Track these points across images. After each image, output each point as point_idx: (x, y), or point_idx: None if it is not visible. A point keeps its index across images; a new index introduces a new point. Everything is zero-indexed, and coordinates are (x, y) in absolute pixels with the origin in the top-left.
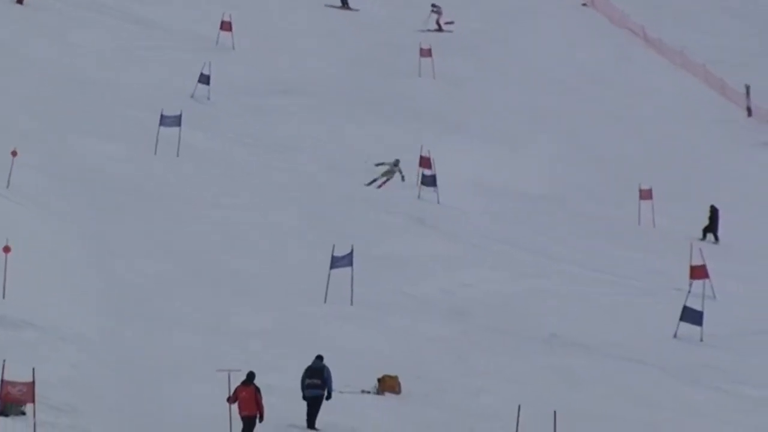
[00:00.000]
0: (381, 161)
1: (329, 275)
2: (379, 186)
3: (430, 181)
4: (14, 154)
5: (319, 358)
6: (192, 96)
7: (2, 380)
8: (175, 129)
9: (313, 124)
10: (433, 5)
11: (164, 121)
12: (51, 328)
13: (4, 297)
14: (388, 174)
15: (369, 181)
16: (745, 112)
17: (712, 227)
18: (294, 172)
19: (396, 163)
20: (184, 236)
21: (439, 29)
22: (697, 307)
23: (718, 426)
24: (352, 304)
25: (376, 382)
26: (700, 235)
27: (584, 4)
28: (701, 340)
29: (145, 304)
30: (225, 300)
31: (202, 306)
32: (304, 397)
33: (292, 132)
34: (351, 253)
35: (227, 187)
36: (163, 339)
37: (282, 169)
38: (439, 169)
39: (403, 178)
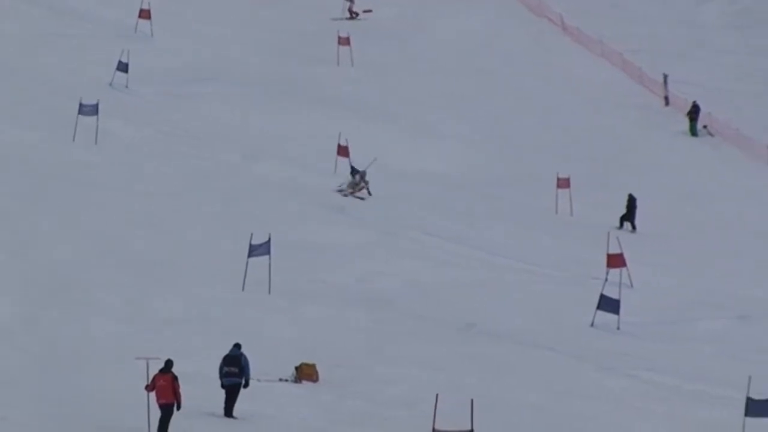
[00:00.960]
0: (355, 170)
1: (247, 263)
2: (346, 195)
3: (351, 170)
4: None
5: (237, 346)
6: (110, 84)
7: None
8: (94, 117)
9: (232, 112)
10: None
11: (82, 109)
12: None
13: None
14: (354, 187)
15: (337, 188)
16: (663, 101)
17: (629, 216)
18: (213, 160)
19: (363, 175)
20: (103, 223)
21: (352, 17)
22: (614, 295)
23: (633, 414)
24: (269, 292)
25: (293, 370)
26: (617, 223)
27: None
28: (618, 328)
29: (64, 291)
30: (144, 287)
31: (121, 293)
32: (222, 386)
33: (211, 120)
34: (268, 242)
35: (146, 174)
36: (82, 326)
37: (201, 157)
38: (357, 157)
39: (369, 192)
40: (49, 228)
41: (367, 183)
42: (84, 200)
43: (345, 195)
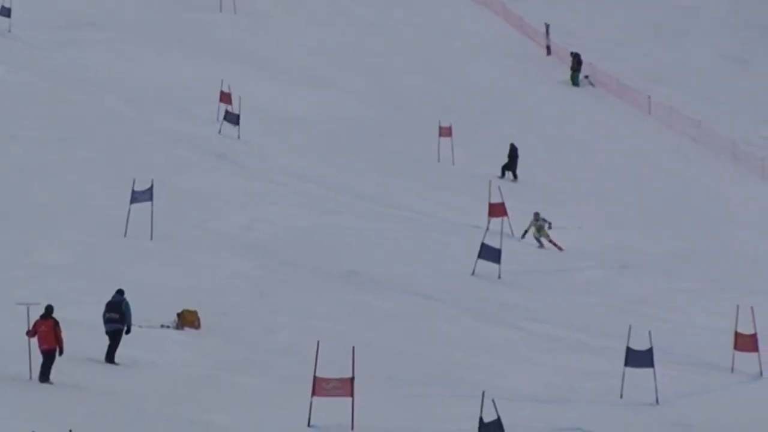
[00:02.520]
0: (524, 230)
1: (129, 209)
2: (547, 246)
3: (232, 118)
4: None
5: (120, 292)
6: None
7: None
8: None
9: (115, 58)
10: None
11: None
12: None
13: None
14: (542, 232)
15: (538, 245)
16: (545, 51)
17: (511, 165)
18: (95, 106)
19: (537, 218)
20: None
21: None
22: (495, 244)
23: (513, 363)
24: (152, 238)
25: (175, 317)
26: (499, 172)
27: None
28: (499, 277)
29: None
30: (25, 233)
31: (1, 239)
32: (106, 332)
33: (94, 66)
34: (151, 188)
35: (28, 120)
36: None
37: (83, 103)
38: (240, 105)
39: (550, 225)
40: None
41: (545, 219)
42: None
43: (543, 245)
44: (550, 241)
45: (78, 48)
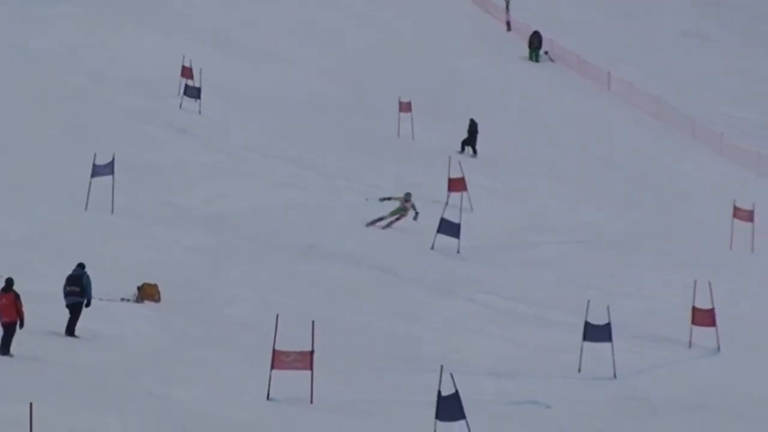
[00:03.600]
0: (387, 196)
1: (90, 183)
2: (386, 225)
3: (193, 92)
4: None
5: (81, 266)
6: None
7: None
8: None
9: (77, 33)
10: None
11: None
12: None
13: None
14: (400, 212)
15: (372, 220)
16: (505, 27)
17: (470, 140)
18: (57, 81)
19: (407, 198)
20: None
21: None
22: (455, 219)
23: (471, 337)
24: (113, 212)
25: (135, 291)
26: (459, 148)
27: None
28: (458, 252)
29: None
30: None
31: None
32: (66, 305)
33: (56, 41)
34: (112, 162)
35: None
36: None
37: (45, 78)
38: (201, 80)
39: (416, 215)
40: None
41: (414, 207)
42: None
43: (385, 226)
44: (390, 223)
45: (40, 24)
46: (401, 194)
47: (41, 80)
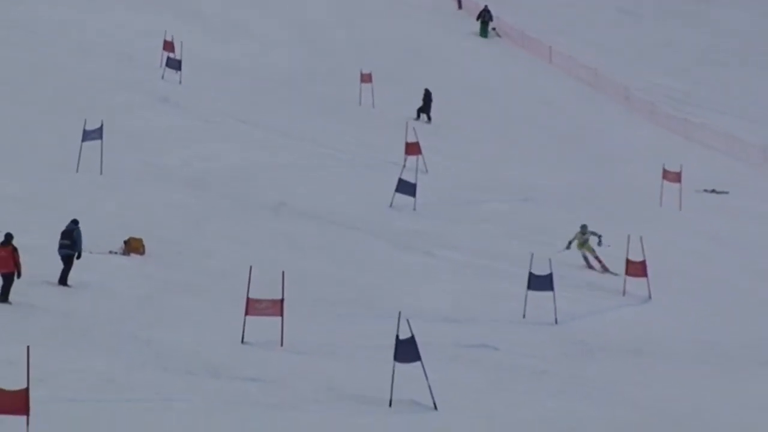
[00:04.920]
0: (568, 240)
1: (81, 147)
2: (595, 266)
3: (174, 64)
4: None
5: (74, 222)
6: None
7: None
8: None
9: (60, 8)
10: None
11: None
12: None
13: None
14: (586, 246)
15: (591, 265)
16: (456, 5)
17: (425, 108)
18: (48, 55)
19: (583, 231)
20: None
21: None
22: (411, 179)
23: (426, 286)
24: (101, 173)
25: (122, 244)
26: (415, 115)
27: None
28: (414, 209)
29: None
30: None
31: None
32: (60, 257)
33: (39, 16)
34: (101, 128)
35: None
36: None
37: (38, 51)
38: (182, 53)
39: (599, 239)
40: None
41: (594, 233)
42: None
43: (596, 266)
44: (596, 258)
45: (34, 2)
46: (577, 231)
47: (34, 53)
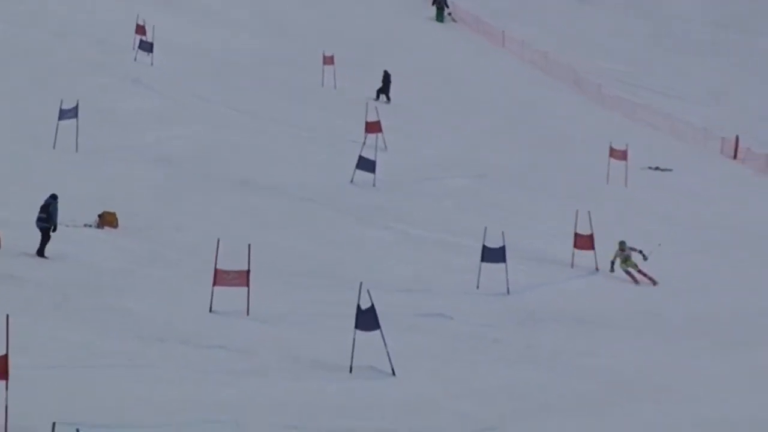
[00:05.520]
0: (610, 260)
1: (57, 126)
2: (642, 280)
3: (146, 46)
4: None
5: (53, 196)
6: None
7: None
8: None
9: None
10: None
11: None
12: None
13: None
14: (628, 261)
15: (632, 281)
16: None
17: (384, 89)
18: (26, 37)
19: (622, 247)
20: None
21: None
22: (371, 156)
23: (385, 259)
24: (77, 151)
25: (97, 218)
26: (375, 95)
27: None
28: (374, 185)
29: None
30: None
31: None
32: (38, 229)
33: (24, 3)
34: (76, 107)
35: None
36: None
37: (15, 35)
38: (153, 36)
39: (645, 257)
40: None
41: (634, 248)
42: None
43: (637, 279)
44: (640, 272)
45: None
46: (616, 249)
47: (11, 37)
